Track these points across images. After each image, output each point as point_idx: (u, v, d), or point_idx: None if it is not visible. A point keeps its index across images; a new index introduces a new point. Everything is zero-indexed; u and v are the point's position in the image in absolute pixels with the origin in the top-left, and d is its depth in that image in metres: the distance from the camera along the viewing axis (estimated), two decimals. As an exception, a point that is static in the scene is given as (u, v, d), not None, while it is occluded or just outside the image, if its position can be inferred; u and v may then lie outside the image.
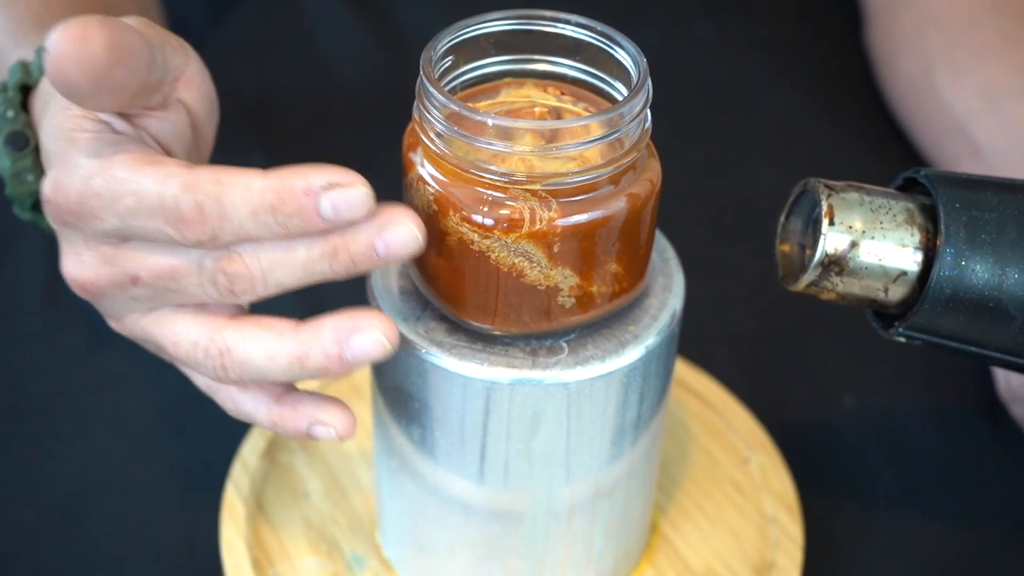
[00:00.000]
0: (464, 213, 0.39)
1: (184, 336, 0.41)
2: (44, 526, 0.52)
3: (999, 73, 0.64)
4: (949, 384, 0.59)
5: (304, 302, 0.60)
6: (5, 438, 0.55)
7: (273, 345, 0.40)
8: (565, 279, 0.40)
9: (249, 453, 0.53)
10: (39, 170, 0.50)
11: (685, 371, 0.58)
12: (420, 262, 0.42)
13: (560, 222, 0.39)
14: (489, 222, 0.39)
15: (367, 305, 0.41)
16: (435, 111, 0.39)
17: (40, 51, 0.50)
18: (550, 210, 0.39)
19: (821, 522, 0.53)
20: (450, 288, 0.41)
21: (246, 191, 0.37)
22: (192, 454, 0.55)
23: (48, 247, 0.62)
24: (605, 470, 0.45)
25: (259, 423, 0.44)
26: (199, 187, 0.37)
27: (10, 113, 0.48)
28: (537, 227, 0.39)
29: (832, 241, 0.41)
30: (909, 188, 0.43)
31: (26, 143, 0.48)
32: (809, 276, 0.41)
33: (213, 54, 0.50)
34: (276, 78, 0.75)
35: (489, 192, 0.39)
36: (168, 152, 0.42)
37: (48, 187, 0.39)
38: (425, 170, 0.40)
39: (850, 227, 0.40)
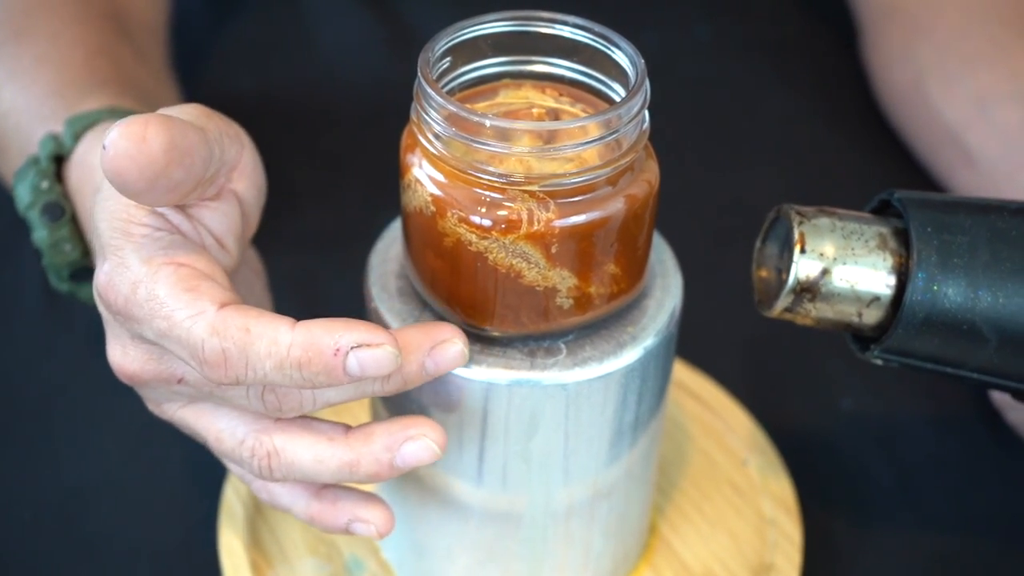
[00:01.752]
0: (462, 214, 0.39)
1: (228, 433, 0.42)
2: (43, 528, 0.52)
3: (990, 80, 0.65)
4: (946, 386, 0.59)
5: (301, 302, 0.61)
6: (4, 439, 0.55)
7: (323, 451, 0.41)
8: (563, 280, 0.40)
9: (247, 454, 0.53)
10: (76, 239, 0.51)
11: (683, 373, 0.58)
12: (418, 263, 0.42)
13: (558, 223, 0.39)
14: (487, 223, 0.39)
15: (410, 416, 0.42)
16: (433, 112, 0.39)
17: (72, 122, 0.50)
18: (548, 211, 0.39)
19: (819, 524, 0.53)
20: (448, 289, 0.41)
21: (273, 344, 0.37)
22: (191, 456, 0.54)
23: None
24: (603, 471, 0.45)
25: (295, 516, 0.44)
26: (226, 333, 0.37)
27: (44, 184, 0.48)
28: (535, 228, 0.39)
29: (804, 268, 0.41)
30: (883, 210, 0.43)
31: (62, 213, 0.49)
32: (782, 302, 0.42)
33: (213, 54, 0.50)
34: (275, 79, 0.75)
35: (487, 193, 0.39)
36: (221, 245, 0.42)
37: (101, 281, 0.40)
38: (423, 171, 0.40)
39: (822, 254, 0.41)
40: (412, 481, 0.46)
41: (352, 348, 0.37)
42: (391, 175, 0.47)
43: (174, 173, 0.37)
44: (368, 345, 0.37)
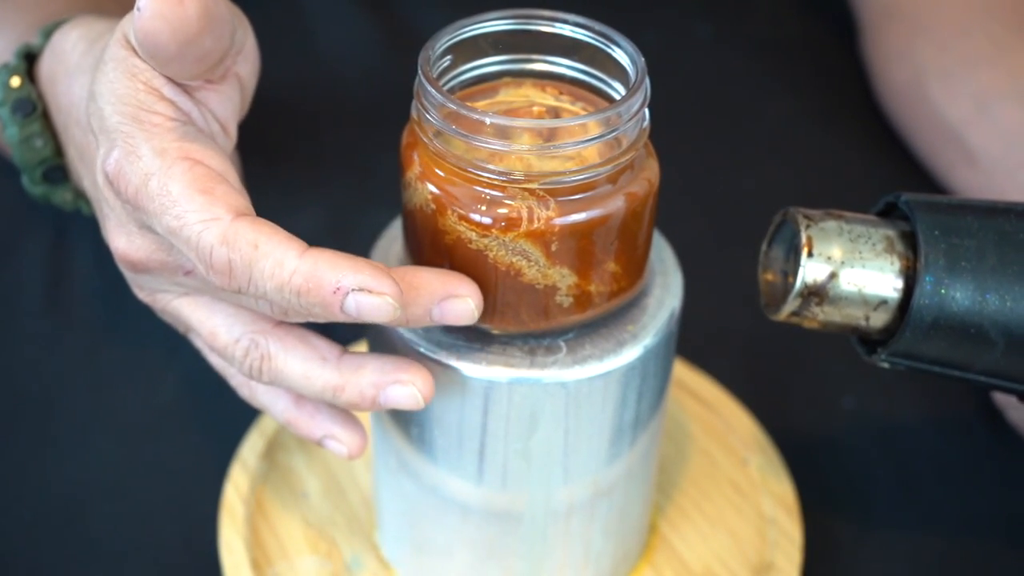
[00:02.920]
0: (462, 212, 0.39)
1: (224, 330, 0.41)
2: (44, 527, 0.52)
3: (991, 79, 0.65)
4: (948, 386, 0.58)
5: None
6: (5, 439, 0.55)
7: (313, 368, 0.41)
8: (563, 278, 0.40)
9: (248, 454, 0.53)
10: (48, 135, 0.50)
11: (684, 371, 0.58)
12: (419, 260, 0.42)
13: (558, 221, 0.39)
14: (487, 221, 0.39)
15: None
16: (433, 110, 0.39)
17: (45, 29, 0.49)
18: (548, 209, 0.39)
19: (820, 523, 0.53)
20: (448, 287, 0.41)
21: (278, 266, 0.37)
22: (191, 455, 0.55)
23: (48, 249, 0.63)
24: (603, 470, 0.45)
25: (271, 415, 0.44)
26: (235, 245, 0.37)
27: (15, 81, 0.47)
28: (535, 226, 0.39)
29: (811, 272, 0.41)
30: (890, 212, 0.43)
31: (33, 109, 0.48)
32: (790, 306, 0.41)
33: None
34: (274, 77, 0.75)
35: (487, 191, 0.39)
36: (225, 131, 0.42)
37: (111, 168, 0.39)
38: (423, 169, 0.40)
39: (829, 257, 0.41)
40: (412, 479, 0.46)
41: (353, 290, 0.36)
42: (391, 173, 0.47)
43: (205, 41, 0.37)
44: (370, 291, 0.36)
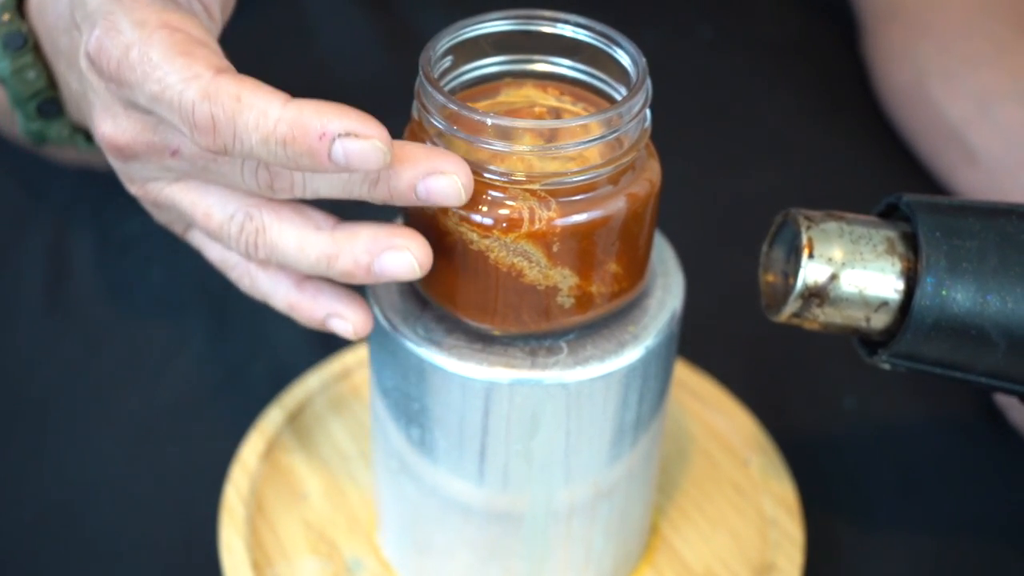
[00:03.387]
0: (463, 213, 0.39)
1: (219, 208, 0.41)
2: (43, 528, 0.52)
3: (992, 79, 0.65)
4: (949, 386, 0.58)
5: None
6: (4, 440, 0.55)
7: (308, 237, 0.40)
8: (564, 279, 0.40)
9: (248, 455, 0.53)
10: (40, 67, 0.49)
11: (685, 372, 0.57)
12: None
13: (559, 222, 0.39)
14: (488, 222, 0.39)
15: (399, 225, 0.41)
16: (434, 111, 0.39)
17: None
18: (549, 210, 0.39)
19: (821, 524, 0.53)
20: (449, 288, 0.41)
21: (262, 116, 0.36)
22: (191, 456, 0.54)
23: (48, 248, 0.63)
24: (605, 471, 0.45)
25: (274, 304, 0.43)
26: (217, 99, 0.36)
27: (5, 16, 0.47)
28: (536, 227, 0.39)
29: (812, 273, 0.41)
30: (891, 213, 0.43)
31: (24, 42, 0.47)
32: (791, 307, 0.41)
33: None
34: (274, 78, 0.74)
35: (488, 192, 0.39)
36: (208, 12, 0.42)
37: (92, 46, 0.39)
38: (424, 170, 0.40)
39: (830, 259, 0.41)
40: (413, 480, 0.46)
41: (339, 135, 0.36)
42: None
43: None
44: (356, 135, 0.36)
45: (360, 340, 0.43)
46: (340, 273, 0.40)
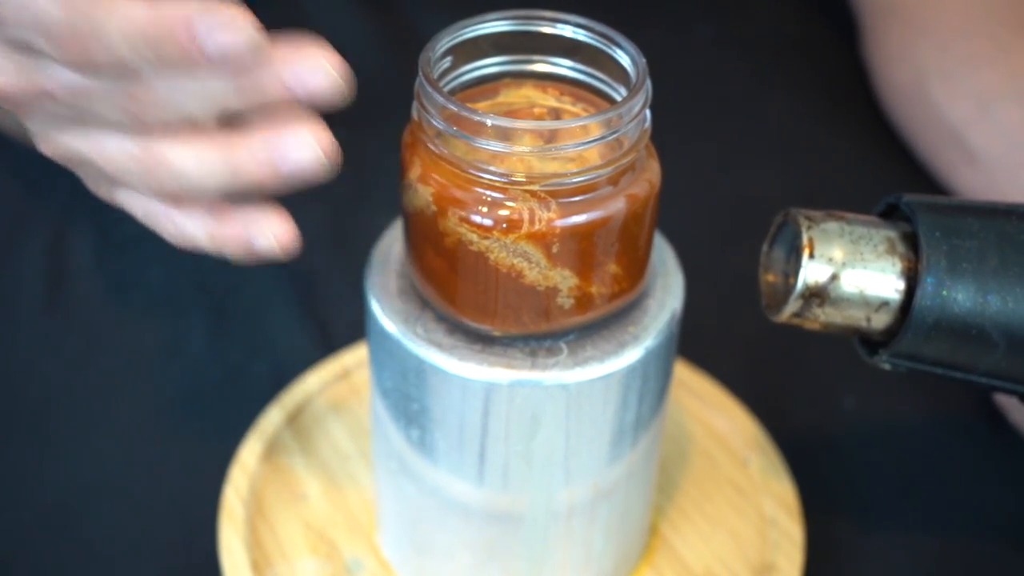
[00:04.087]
0: (463, 214, 0.39)
1: (116, 149, 0.40)
2: (43, 528, 0.52)
3: (992, 79, 0.65)
4: (949, 386, 0.58)
5: (302, 302, 0.61)
6: (4, 439, 0.55)
7: (204, 151, 0.39)
8: (564, 280, 0.40)
9: (248, 456, 0.53)
10: None
11: (685, 372, 0.57)
12: (419, 263, 0.42)
13: (559, 223, 0.39)
14: (488, 223, 0.39)
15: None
16: (434, 111, 0.39)
17: None
18: (549, 211, 0.39)
19: (821, 524, 0.53)
20: (449, 289, 0.41)
21: (125, 20, 0.35)
22: (191, 457, 0.54)
23: (48, 249, 0.63)
24: (604, 471, 0.45)
25: (202, 244, 0.42)
26: (75, 5, 0.35)
27: None
28: (536, 228, 0.39)
29: (813, 273, 0.41)
30: (891, 213, 0.43)
31: None
32: (791, 307, 0.42)
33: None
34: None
35: (488, 193, 0.39)
36: None
37: None
38: (424, 171, 0.40)
39: (830, 259, 0.41)
40: (413, 481, 0.46)
41: (204, 24, 0.35)
42: (391, 175, 0.47)
43: None
44: (226, 24, 0.35)
45: (288, 255, 0.41)
46: (248, 179, 0.39)
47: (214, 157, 0.39)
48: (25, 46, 0.38)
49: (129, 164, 0.40)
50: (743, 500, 0.53)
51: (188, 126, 0.39)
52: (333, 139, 0.38)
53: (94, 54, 0.36)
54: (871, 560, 0.52)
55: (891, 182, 0.70)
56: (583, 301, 0.41)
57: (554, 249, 0.39)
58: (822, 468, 0.55)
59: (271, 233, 0.40)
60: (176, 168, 0.39)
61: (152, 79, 0.37)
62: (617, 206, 0.40)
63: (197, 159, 0.39)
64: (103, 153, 0.40)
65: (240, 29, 0.35)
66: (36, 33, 0.37)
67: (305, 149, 0.38)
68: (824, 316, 0.42)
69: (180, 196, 0.41)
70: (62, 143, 0.42)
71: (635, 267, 0.42)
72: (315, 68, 0.37)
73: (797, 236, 0.41)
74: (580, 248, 0.40)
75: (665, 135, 0.47)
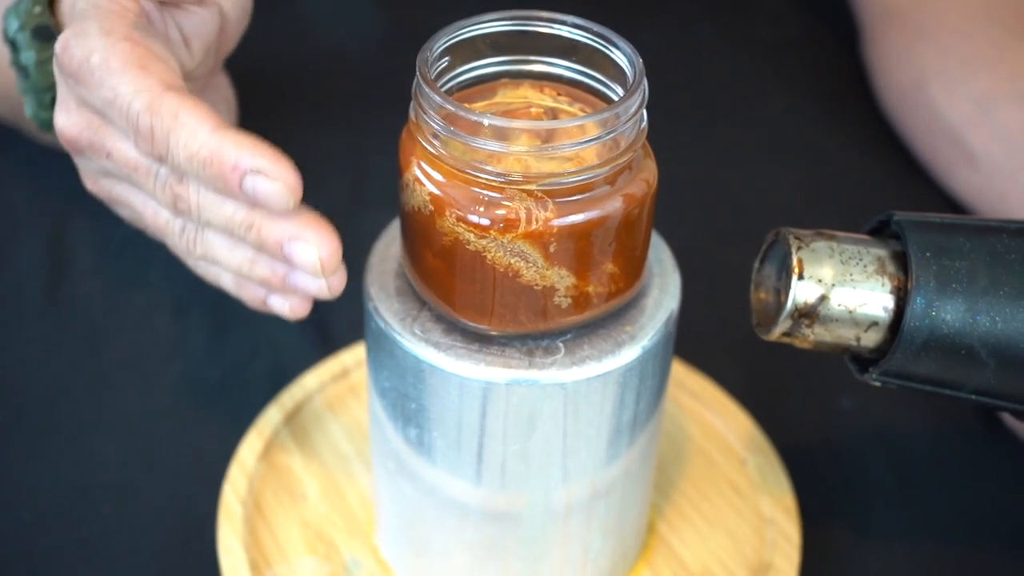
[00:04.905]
0: (460, 213, 0.39)
1: (156, 213, 0.45)
2: (42, 528, 0.52)
3: (991, 81, 0.65)
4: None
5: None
6: (4, 439, 0.55)
7: (232, 244, 0.43)
8: (561, 279, 0.40)
9: (247, 455, 0.53)
10: None
11: (682, 372, 0.58)
12: (417, 262, 0.42)
13: (556, 222, 0.39)
14: (485, 222, 0.39)
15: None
16: (431, 112, 0.39)
17: None
18: (546, 210, 0.39)
19: (818, 523, 0.53)
20: (446, 288, 0.41)
21: (191, 137, 0.40)
22: (190, 456, 0.55)
23: (48, 248, 0.63)
24: (602, 471, 0.45)
25: (232, 267, 0.45)
26: (158, 114, 0.40)
27: (37, 9, 0.50)
28: (533, 227, 0.39)
29: (802, 293, 0.41)
30: (882, 229, 0.43)
31: (51, 36, 0.50)
32: (781, 327, 0.42)
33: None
34: (271, 76, 0.75)
35: (485, 192, 0.39)
36: (187, 44, 0.46)
37: (60, 42, 0.43)
38: (421, 170, 0.40)
39: (820, 279, 0.41)
40: (411, 480, 0.46)
41: (251, 172, 0.39)
42: (389, 174, 0.47)
43: None
44: (264, 174, 0.39)
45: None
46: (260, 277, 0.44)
47: (240, 255, 0.43)
48: (100, 112, 0.43)
49: (165, 228, 0.45)
50: (740, 500, 0.53)
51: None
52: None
53: (163, 156, 0.41)
54: (868, 560, 0.52)
55: (890, 183, 0.70)
56: (580, 300, 0.41)
57: (551, 248, 0.39)
58: (819, 468, 0.55)
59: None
60: (205, 248, 0.44)
61: (193, 184, 0.42)
62: (614, 206, 0.40)
63: (226, 248, 0.44)
64: (143, 214, 0.45)
65: (276, 186, 0.40)
66: (124, 125, 0.42)
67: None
68: (814, 335, 0.42)
69: (207, 261, 0.45)
70: (107, 188, 0.47)
71: (632, 267, 0.42)
72: (310, 260, 0.41)
73: (787, 255, 0.42)
74: (577, 248, 0.40)
75: (662, 135, 0.47)
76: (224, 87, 0.54)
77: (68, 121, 0.44)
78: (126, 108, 0.41)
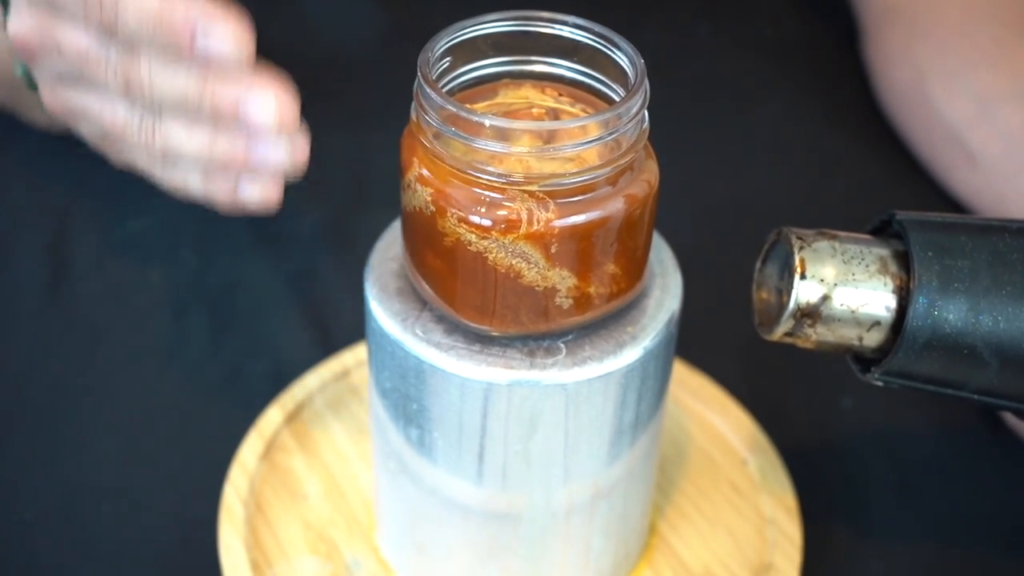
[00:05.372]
0: (461, 214, 0.39)
1: (113, 112, 0.45)
2: (43, 528, 0.52)
3: (991, 80, 0.65)
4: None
5: (302, 302, 0.61)
6: (5, 439, 0.55)
7: (191, 129, 0.43)
8: (563, 280, 0.40)
9: (247, 455, 0.53)
10: None
11: (683, 372, 0.58)
12: (418, 263, 0.42)
13: (558, 223, 0.39)
14: (487, 223, 0.39)
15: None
16: (433, 112, 0.39)
17: None
18: (547, 211, 0.39)
19: (820, 523, 0.53)
20: (448, 289, 0.41)
21: (143, 2, 0.40)
22: (191, 456, 0.55)
23: (48, 247, 0.63)
24: (603, 471, 0.45)
25: (195, 194, 0.45)
26: None
27: None
28: (535, 228, 0.39)
29: (804, 293, 0.41)
30: (883, 229, 0.43)
31: None
32: (783, 327, 0.42)
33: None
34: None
35: (487, 193, 0.39)
36: None
37: None
38: (422, 171, 0.40)
39: (822, 279, 0.41)
40: (412, 480, 0.46)
41: (200, 27, 0.39)
42: (390, 175, 0.47)
43: None
44: (216, 27, 0.40)
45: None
46: (224, 159, 0.43)
47: (199, 137, 0.43)
48: (47, 3, 0.42)
49: (124, 128, 0.45)
50: (742, 500, 0.53)
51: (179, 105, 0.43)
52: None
53: (109, 23, 0.40)
54: (869, 560, 0.52)
55: (890, 183, 0.70)
56: (581, 301, 0.41)
57: (552, 249, 0.39)
58: (821, 468, 0.55)
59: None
60: (165, 139, 0.44)
61: (145, 58, 0.42)
62: (615, 206, 0.40)
63: (184, 133, 0.43)
64: (101, 114, 0.45)
65: (227, 40, 0.39)
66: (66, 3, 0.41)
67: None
68: (816, 335, 0.42)
69: (170, 158, 0.44)
70: (65, 97, 0.46)
71: (633, 267, 0.42)
72: (267, 109, 0.41)
73: (789, 255, 0.42)
74: (578, 248, 0.40)
75: (664, 135, 0.47)
76: None
77: (20, 24, 0.44)
78: None
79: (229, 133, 0.43)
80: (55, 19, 0.43)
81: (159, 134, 0.44)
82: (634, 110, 0.39)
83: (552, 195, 0.39)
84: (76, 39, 0.43)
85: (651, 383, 0.44)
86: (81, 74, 0.44)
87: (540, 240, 0.39)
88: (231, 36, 0.39)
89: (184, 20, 0.39)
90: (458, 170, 0.39)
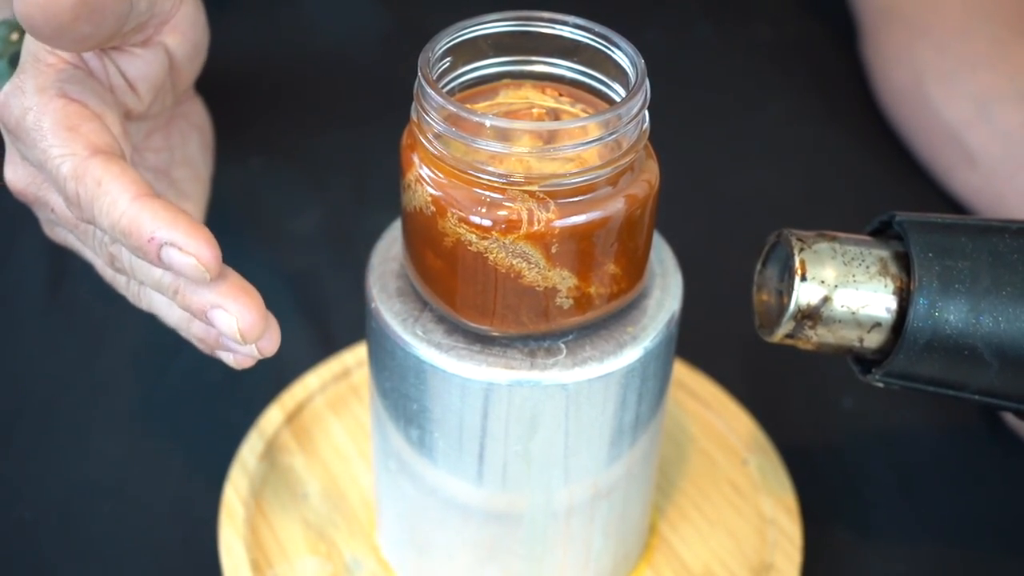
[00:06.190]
0: (462, 214, 0.39)
1: (103, 268, 0.46)
2: (43, 527, 0.52)
3: (990, 80, 0.65)
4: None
5: (302, 302, 0.61)
6: (5, 439, 0.55)
7: (170, 306, 0.44)
8: (563, 280, 0.40)
9: (248, 455, 0.53)
10: None
11: (684, 372, 0.58)
12: (418, 263, 0.42)
13: (558, 223, 0.39)
14: (487, 223, 0.39)
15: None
16: (433, 112, 0.39)
17: None
18: (548, 211, 0.39)
19: (820, 524, 0.53)
20: (448, 289, 0.41)
21: (112, 206, 0.39)
22: (191, 456, 0.55)
23: (48, 247, 0.63)
24: (604, 471, 0.45)
25: (168, 316, 0.46)
26: (82, 181, 0.40)
27: (14, 36, 0.50)
28: (535, 228, 0.39)
29: (805, 295, 0.41)
30: (883, 230, 0.43)
31: None
32: (784, 329, 0.42)
33: (210, 50, 0.50)
34: (272, 76, 0.75)
35: (487, 193, 0.39)
36: (133, 89, 0.45)
37: (1, 98, 0.42)
38: (423, 171, 0.40)
39: (822, 281, 0.41)
40: (412, 481, 0.46)
41: (165, 243, 0.39)
42: (391, 175, 0.47)
43: (81, 27, 0.39)
44: (179, 247, 0.38)
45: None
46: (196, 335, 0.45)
47: (178, 313, 0.44)
48: (38, 167, 0.42)
49: (113, 281, 0.46)
50: (742, 500, 0.53)
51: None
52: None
53: (87, 218, 0.41)
54: (870, 560, 0.52)
55: (889, 183, 0.70)
56: (582, 301, 0.41)
57: (553, 249, 0.39)
58: (821, 468, 0.55)
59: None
60: (148, 303, 0.45)
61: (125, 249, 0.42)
62: (616, 207, 0.40)
63: (165, 306, 0.44)
64: (95, 263, 0.46)
65: (188, 262, 0.39)
66: (55, 187, 0.41)
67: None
68: (817, 337, 0.42)
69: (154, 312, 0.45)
70: (61, 237, 0.47)
71: (634, 267, 0.42)
72: (230, 328, 0.41)
73: (790, 257, 0.42)
74: (579, 249, 0.40)
75: (664, 136, 0.47)
76: (195, 114, 0.53)
77: (15, 175, 0.45)
78: (55, 172, 0.40)
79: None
80: (48, 183, 0.44)
81: (144, 298, 0.45)
82: (634, 110, 0.39)
83: (552, 195, 0.39)
84: (65, 211, 0.43)
85: (651, 383, 0.44)
86: (72, 233, 0.45)
87: (540, 240, 0.39)
88: (192, 256, 0.38)
89: (149, 236, 0.39)
90: (458, 170, 0.39)
